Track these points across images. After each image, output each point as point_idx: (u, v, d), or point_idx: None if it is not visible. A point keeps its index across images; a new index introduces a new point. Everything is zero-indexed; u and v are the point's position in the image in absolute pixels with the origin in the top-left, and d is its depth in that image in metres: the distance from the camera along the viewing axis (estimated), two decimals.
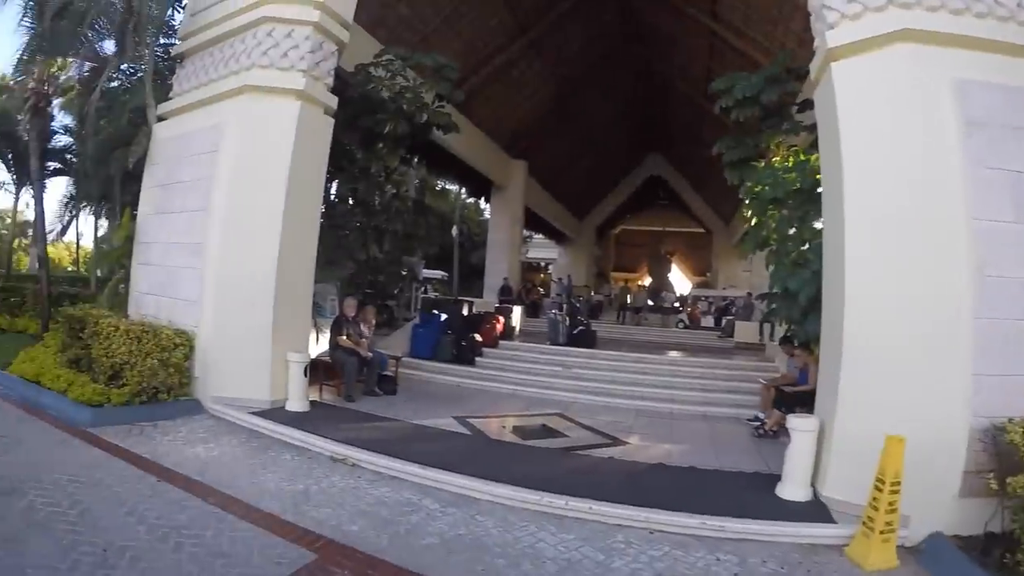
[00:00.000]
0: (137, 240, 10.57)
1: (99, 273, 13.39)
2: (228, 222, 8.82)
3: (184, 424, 7.64)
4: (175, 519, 4.61)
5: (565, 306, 17.00)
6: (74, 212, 18.85)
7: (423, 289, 36.72)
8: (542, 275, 41.09)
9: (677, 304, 25.28)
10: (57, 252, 46.99)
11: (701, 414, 10.17)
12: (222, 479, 5.67)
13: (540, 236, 35.01)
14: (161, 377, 8.00)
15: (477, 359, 12.70)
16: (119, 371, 8.04)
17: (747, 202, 9.78)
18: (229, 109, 9.21)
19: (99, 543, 4.08)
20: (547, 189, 27.21)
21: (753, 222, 9.66)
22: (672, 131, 27.88)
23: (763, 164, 10.25)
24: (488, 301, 20.77)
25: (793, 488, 5.87)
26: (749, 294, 20.83)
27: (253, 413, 7.99)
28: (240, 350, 8.55)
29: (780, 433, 8.29)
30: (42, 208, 14.16)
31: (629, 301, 23.20)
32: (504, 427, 8.47)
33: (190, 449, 6.65)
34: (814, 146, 9.78)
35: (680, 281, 39.05)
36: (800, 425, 5.89)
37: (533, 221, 27.63)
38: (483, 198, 24.91)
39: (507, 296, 21.72)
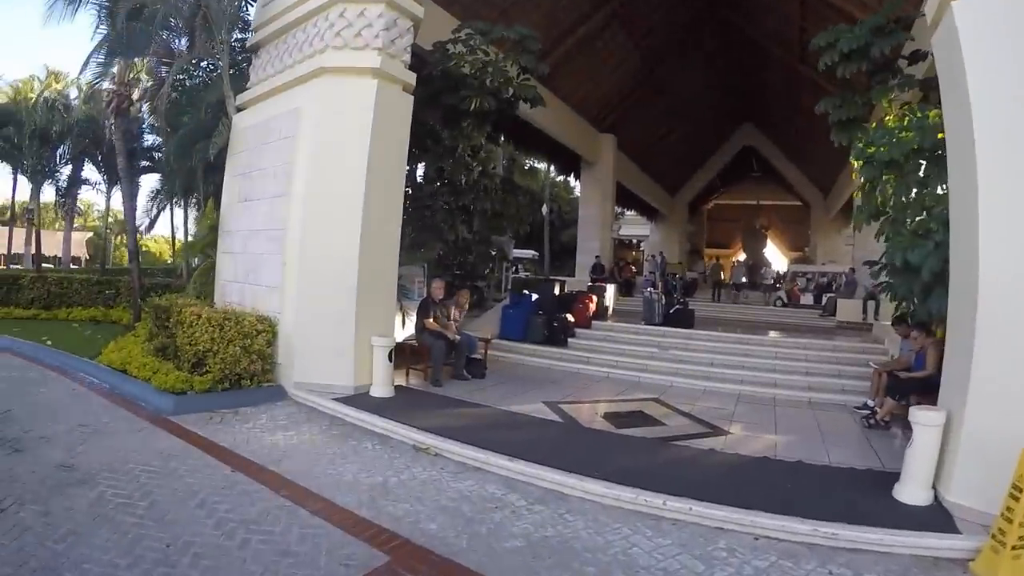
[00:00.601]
0: (221, 229, 10.75)
1: (192, 263, 13.67)
2: (308, 207, 8.70)
3: (266, 411, 7.51)
4: (245, 512, 4.40)
5: (660, 284, 16.20)
6: (161, 206, 19.58)
7: (514, 269, 36.58)
8: (634, 252, 40.01)
9: (775, 281, 23.78)
10: (157, 245, 49.93)
11: (806, 400, 9.29)
12: (298, 469, 5.45)
13: (631, 212, 33.90)
14: (244, 364, 7.96)
15: (569, 340, 12.18)
16: (202, 359, 8.02)
17: (857, 167, 8.77)
18: (305, 93, 9.09)
19: (164, 538, 3.90)
20: (637, 163, 26.07)
21: (866, 189, 8.64)
22: (765, 99, 25.82)
23: (874, 124, 9.20)
24: (580, 280, 20.21)
25: (913, 490, 5.05)
26: (852, 270, 19.27)
27: (336, 399, 7.84)
28: (323, 335, 8.42)
29: (892, 423, 7.58)
30: (132, 204, 14.75)
31: (724, 278, 22.01)
32: (597, 413, 7.89)
33: (269, 437, 6.48)
34: (926, 100, 8.83)
35: (775, 256, 37.04)
36: (924, 418, 5.02)
37: (624, 197, 26.54)
38: (572, 175, 24.16)
39: (599, 274, 21.02)
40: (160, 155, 17.54)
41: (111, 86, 14.45)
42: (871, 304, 16.18)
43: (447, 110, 11.31)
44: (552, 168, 28.91)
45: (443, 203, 11.74)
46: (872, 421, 7.77)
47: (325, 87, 8.79)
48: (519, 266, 37.18)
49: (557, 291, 14.15)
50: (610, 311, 14.93)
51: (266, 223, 9.42)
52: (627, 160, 24.55)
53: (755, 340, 12.02)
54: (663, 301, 12.99)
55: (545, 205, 35.53)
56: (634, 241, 40.91)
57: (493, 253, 15.16)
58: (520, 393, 8.79)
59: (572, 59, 17.70)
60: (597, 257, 22.05)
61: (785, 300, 22.29)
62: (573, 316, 12.76)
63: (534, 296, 13.44)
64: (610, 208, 23.39)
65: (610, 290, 15.24)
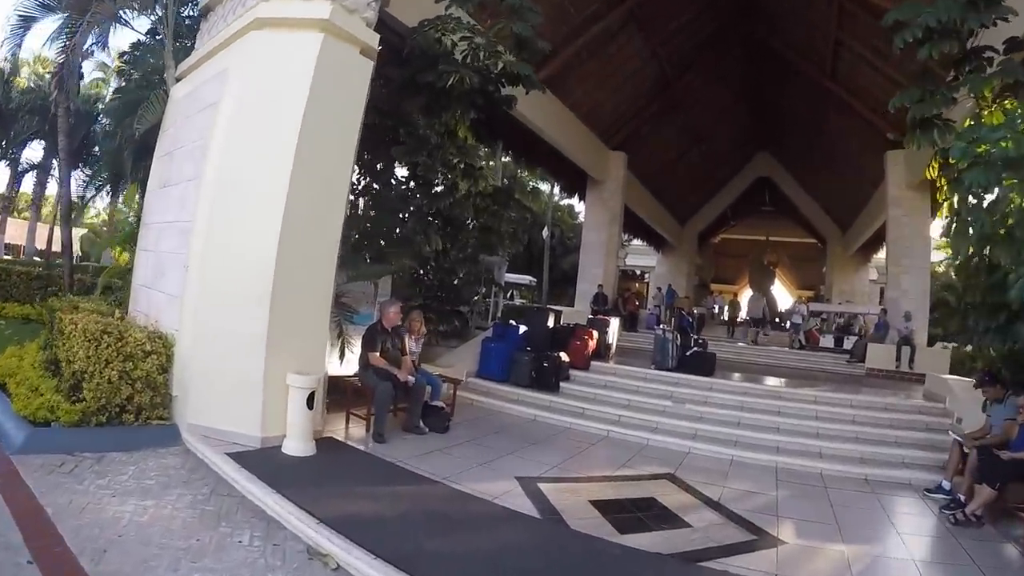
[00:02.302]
0: (142, 221, 8.85)
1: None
2: (218, 193, 6.67)
3: (140, 461, 5.56)
4: None
5: (674, 320, 14.00)
6: (93, 194, 17.30)
7: (509, 295, 34.40)
8: (637, 284, 37.86)
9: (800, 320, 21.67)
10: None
11: (862, 477, 7.19)
12: (118, 572, 3.55)
13: (638, 241, 31.86)
14: (125, 393, 6.07)
15: (562, 384, 9.91)
16: (80, 381, 6.04)
17: (952, 174, 6.75)
18: (236, 51, 7.15)
19: None
20: (647, 187, 24.02)
21: (960, 208, 6.54)
22: (786, 123, 24.06)
23: (969, 121, 7.10)
24: (579, 311, 18.03)
25: None
26: (884, 311, 17.33)
27: (232, 454, 5.70)
28: (224, 365, 6.31)
29: (986, 518, 5.69)
30: (68, 189, 12.71)
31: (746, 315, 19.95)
32: (590, 501, 5.49)
33: (116, 506, 4.51)
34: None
35: (782, 295, 35.13)
36: None
37: (631, 223, 24.45)
38: (577, 195, 22.11)
39: (602, 306, 18.81)
40: None
41: (58, 57, 12.48)
42: (905, 350, 14.69)
43: (427, 94, 9.17)
44: (556, 187, 26.99)
45: (411, 207, 9.53)
46: (960, 516, 5.72)
47: (258, 42, 6.78)
48: (515, 292, 35.06)
49: (551, 323, 11.90)
50: (613, 349, 12.67)
51: (177, 214, 7.45)
52: (637, 182, 22.50)
53: (789, 393, 9.74)
54: (678, 341, 10.78)
55: (547, 228, 33.56)
56: (639, 272, 38.80)
57: (480, 278, 13.06)
58: (489, 460, 6.49)
59: (583, 62, 15.78)
60: (600, 286, 19.83)
61: (803, 342, 20.18)
62: (568, 355, 10.54)
63: (522, 328, 11.23)
64: (617, 233, 21.23)
65: (614, 324, 12.99)
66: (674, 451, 7.67)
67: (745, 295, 34.16)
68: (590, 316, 14.41)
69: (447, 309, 12.37)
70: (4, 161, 19.07)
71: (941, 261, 21.66)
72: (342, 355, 7.73)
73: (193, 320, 6.59)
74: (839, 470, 7.30)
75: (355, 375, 7.42)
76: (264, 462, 5.60)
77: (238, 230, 6.45)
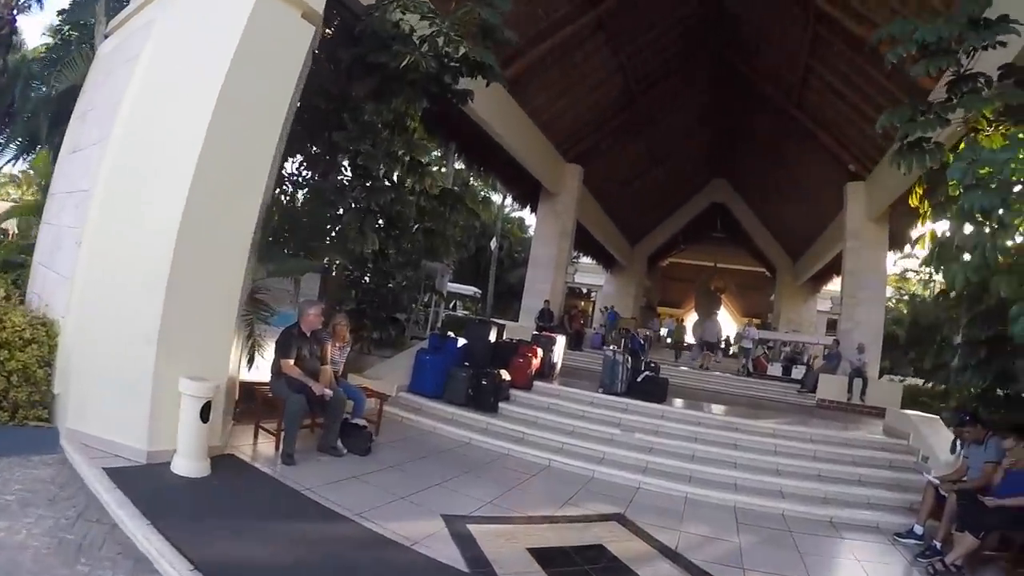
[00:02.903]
0: (49, 191, 7.80)
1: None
2: (121, 157, 5.67)
3: (4, 469, 4.59)
4: None
5: (624, 342, 13.32)
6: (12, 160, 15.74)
7: (452, 305, 33.46)
8: (583, 303, 37.43)
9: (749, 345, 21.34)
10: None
11: (826, 519, 6.69)
12: None
13: (587, 259, 31.42)
14: None
15: (501, 405, 9.08)
16: None
17: (938, 198, 6.50)
18: (166, 0, 6.14)
19: None
20: (601, 204, 23.56)
21: (965, 227, 6.09)
22: (747, 149, 24.07)
23: (963, 144, 6.68)
24: (524, 326, 17.31)
25: None
26: (836, 341, 17.28)
27: (110, 470, 4.74)
28: (110, 363, 5.28)
29: (967, 569, 5.28)
30: None
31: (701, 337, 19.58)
32: (528, 548, 4.67)
33: None
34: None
35: (727, 321, 35.29)
36: None
37: (582, 240, 23.87)
38: (529, 207, 21.36)
39: (547, 322, 18.08)
40: None
41: None
42: (857, 382, 14.52)
43: (379, 76, 8.27)
44: (508, 197, 26.30)
45: (350, 201, 8.58)
46: (939, 566, 5.29)
47: None
48: (457, 303, 34.18)
49: (493, 337, 11.09)
50: (557, 369, 11.90)
51: (79, 182, 6.44)
52: (591, 198, 22.02)
53: (746, 425, 9.15)
54: (628, 364, 10.08)
55: (495, 239, 32.85)
56: (586, 290, 38.38)
57: (419, 284, 12.17)
58: (413, 492, 5.59)
59: (547, 68, 15.12)
60: (546, 302, 19.09)
61: (751, 369, 19.99)
62: (510, 373, 9.73)
63: (461, 341, 10.38)
64: (567, 248, 20.55)
65: (559, 342, 12.21)
66: (623, 486, 6.97)
67: (691, 319, 34.17)
68: (535, 332, 13.61)
69: (382, 316, 11.45)
70: None
71: (891, 296, 21.77)
72: (251, 359, 6.72)
73: (80, 306, 5.57)
74: (802, 511, 6.76)
75: (267, 384, 6.47)
76: (146, 482, 4.68)
77: (137, 203, 5.45)
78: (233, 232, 5.68)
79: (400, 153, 8.39)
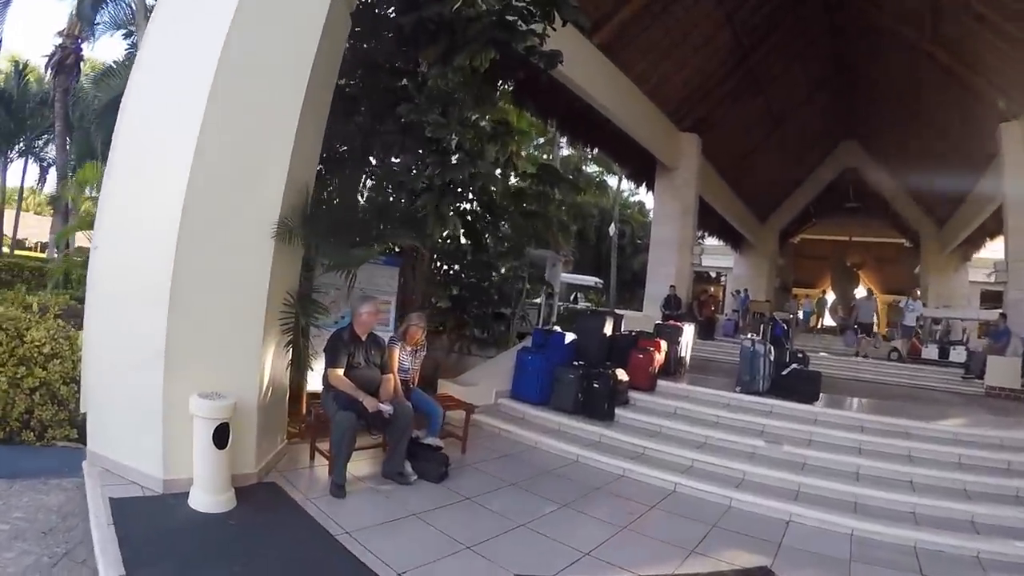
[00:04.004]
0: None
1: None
2: (124, 142, 4.89)
3: (19, 493, 4.42)
4: None
5: (764, 328, 11.33)
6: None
7: (573, 297, 31.98)
8: (713, 288, 34.85)
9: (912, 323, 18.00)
10: None
11: None
12: None
13: (713, 240, 28.94)
14: (20, 407, 5.08)
15: (618, 412, 7.54)
16: None
17: None
18: None
19: None
20: (724, 177, 21.04)
21: None
22: (877, 101, 20.35)
23: None
24: (648, 316, 15.61)
25: None
26: (1003, 316, 14.10)
27: (117, 500, 4.07)
28: (122, 380, 4.52)
29: None
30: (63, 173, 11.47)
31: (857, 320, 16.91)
32: None
33: None
34: None
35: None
36: None
37: (706, 218, 21.45)
38: (646, 185, 19.53)
39: (674, 310, 16.15)
40: None
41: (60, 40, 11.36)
42: None
43: (443, 38, 7.03)
44: (624, 181, 24.55)
45: (423, 181, 7.34)
46: None
47: None
48: (578, 295, 32.68)
49: (608, 329, 9.58)
50: (686, 364, 10.18)
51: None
52: (712, 171, 19.67)
53: (920, 430, 6.90)
54: (771, 356, 8.26)
55: (614, 225, 31.12)
56: (715, 274, 35.75)
57: (524, 274, 10.88)
58: (486, 536, 4.25)
59: (645, 28, 13.26)
60: (672, 287, 17.00)
61: (901, 353, 16.78)
62: (628, 371, 8.18)
63: (569, 336, 8.97)
64: (691, 227, 18.38)
65: (687, 332, 10.45)
66: (768, 519, 5.22)
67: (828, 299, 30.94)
68: (658, 322, 11.89)
69: (484, 312, 10.27)
70: (29, 156, 18.18)
71: None
72: (299, 369, 5.63)
73: (94, 318, 4.82)
74: (1005, 555, 4.70)
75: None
76: (150, 518, 3.93)
77: (138, 194, 4.64)
78: (250, 226, 4.65)
79: (474, 119, 7.07)
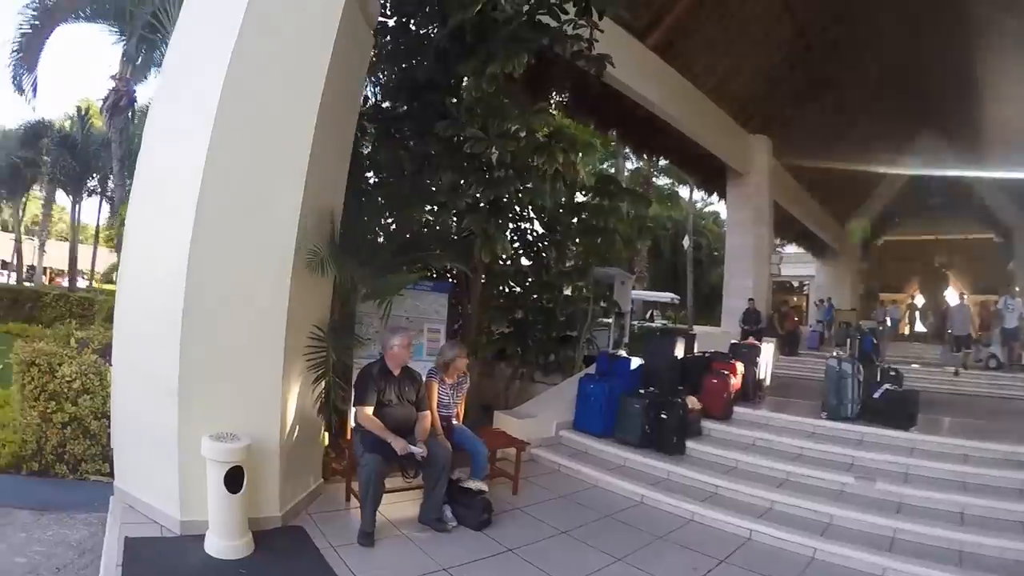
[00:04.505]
0: None
1: None
2: (141, 165, 4.83)
3: (45, 526, 4.44)
4: None
5: (851, 342, 10.25)
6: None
7: (649, 315, 30.95)
8: (795, 298, 33.08)
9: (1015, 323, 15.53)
10: None
11: None
12: None
13: (793, 248, 27.42)
14: (52, 441, 5.14)
15: (689, 444, 6.79)
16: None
17: None
18: None
19: None
20: (799, 179, 19.72)
21: None
22: (953, 84, 17.90)
23: None
24: (727, 332, 14.70)
25: None
26: None
27: (132, 540, 3.91)
28: (143, 419, 4.40)
29: None
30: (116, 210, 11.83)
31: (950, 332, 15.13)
32: None
33: None
34: None
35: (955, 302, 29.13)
36: None
37: (783, 224, 20.25)
38: (716, 194, 18.60)
39: (753, 324, 15.12)
40: None
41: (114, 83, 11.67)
42: None
43: (482, 51, 6.61)
44: (696, 191, 23.57)
45: (467, 200, 6.88)
46: None
47: None
48: (654, 312, 31.65)
49: (680, 351, 8.88)
50: (765, 386, 9.29)
51: None
52: (786, 174, 18.47)
53: None
54: (860, 375, 7.35)
55: (688, 238, 30.05)
56: (797, 284, 33.98)
57: (589, 294, 10.25)
58: None
59: (700, 24, 12.53)
60: (751, 301, 15.89)
61: (1000, 359, 14.57)
62: (701, 398, 7.47)
63: (636, 361, 8.30)
64: (766, 235, 17.28)
65: (766, 351, 9.55)
66: (861, 573, 4.43)
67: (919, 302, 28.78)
68: (732, 342, 10.95)
69: (549, 336, 9.70)
70: (99, 196, 19.06)
71: None
72: (327, 409, 5.20)
73: (118, 355, 4.74)
74: None
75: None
76: (160, 562, 3.77)
77: (151, 227, 4.56)
78: (264, 257, 4.37)
79: (514, 129, 6.56)
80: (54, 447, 5.16)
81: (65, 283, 24.06)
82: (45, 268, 30.10)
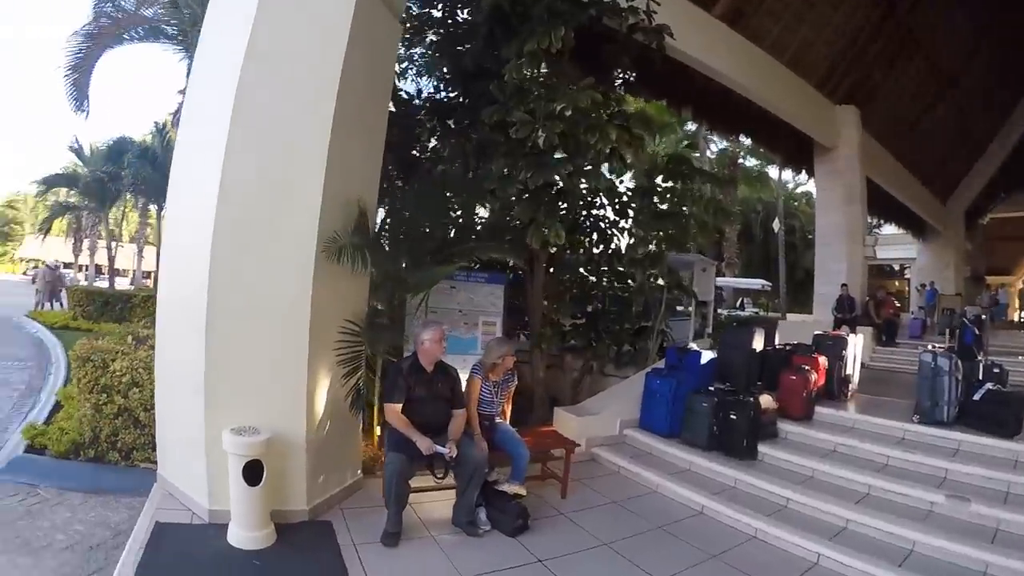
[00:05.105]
0: None
1: None
2: (177, 162, 4.99)
3: (92, 507, 4.76)
4: None
5: (949, 334, 9.15)
6: None
7: (739, 303, 29.66)
8: (896, 283, 30.89)
9: None
10: None
11: None
12: None
13: (891, 228, 25.36)
14: (107, 429, 5.53)
15: (762, 448, 6.15)
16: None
17: None
18: None
19: None
20: (892, 152, 17.86)
21: None
22: None
23: None
24: (819, 320, 13.74)
25: None
26: None
27: (161, 524, 4.08)
28: (177, 411, 4.61)
29: None
30: None
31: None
32: None
33: None
34: None
35: None
36: None
37: (878, 203, 18.44)
38: (804, 171, 17.39)
39: (847, 312, 14.00)
40: None
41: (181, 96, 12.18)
42: None
43: (525, 30, 6.24)
44: (778, 164, 22.26)
45: (519, 187, 6.52)
46: None
47: None
48: (743, 300, 30.31)
49: (759, 343, 8.03)
50: (854, 382, 8.36)
51: None
52: (878, 147, 16.81)
53: None
54: (958, 372, 6.47)
55: (778, 220, 28.58)
56: (896, 267, 31.67)
57: (664, 283, 9.67)
58: None
59: None
60: (844, 286, 14.64)
61: None
62: (778, 396, 6.80)
63: (706, 356, 7.67)
64: (859, 213, 15.82)
65: (853, 344, 8.61)
66: None
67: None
68: (817, 332, 9.93)
69: (622, 328, 9.22)
70: None
71: None
72: (358, 404, 4.98)
73: (159, 349, 4.96)
74: None
75: None
76: (181, 546, 3.86)
77: (182, 212, 4.74)
78: (286, 251, 4.33)
79: (559, 109, 6.10)
80: (107, 436, 5.53)
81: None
82: (148, 272, 32.05)
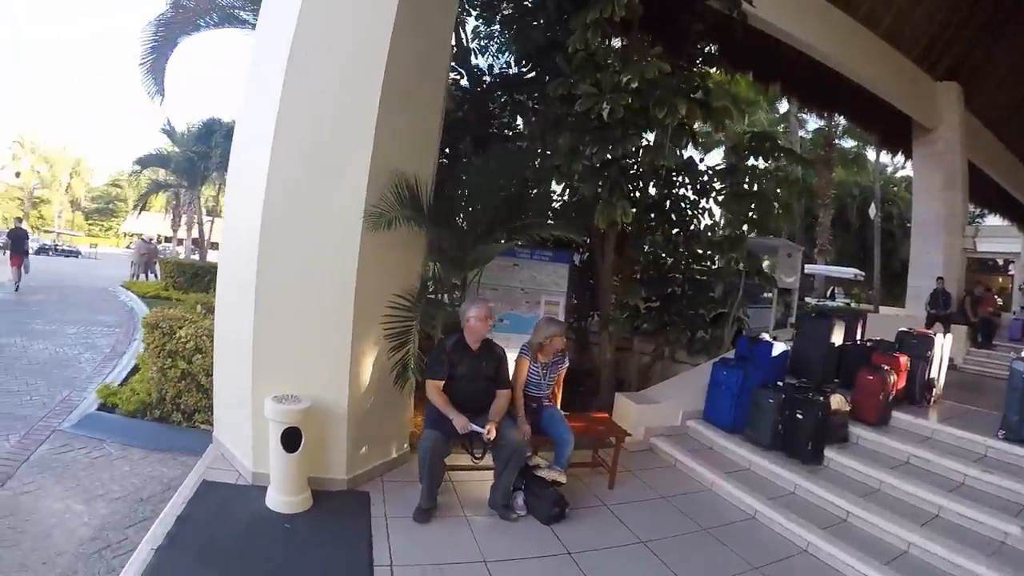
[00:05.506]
0: None
1: None
2: (236, 140, 5.24)
3: (152, 464, 5.08)
4: None
5: None
6: None
7: (830, 292, 28.33)
8: (999, 279, 28.67)
9: None
10: None
11: None
12: None
13: (995, 218, 23.43)
14: (171, 393, 5.90)
15: (829, 453, 5.72)
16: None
17: None
18: None
19: None
20: (999, 136, 16.30)
21: None
22: None
23: None
24: (912, 315, 12.91)
25: None
26: None
27: (208, 483, 4.38)
28: (229, 378, 4.88)
29: None
30: None
31: None
32: None
33: (34, 502, 4.17)
34: None
35: None
36: None
37: (981, 190, 17.01)
38: (902, 153, 16.23)
39: (941, 308, 13.01)
40: None
41: None
42: None
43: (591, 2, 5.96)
44: (881, 153, 20.89)
45: (583, 162, 6.32)
46: None
47: None
48: (835, 290, 28.97)
49: (838, 337, 7.51)
50: (938, 387, 7.66)
51: None
52: (983, 128, 15.41)
53: None
54: None
55: (874, 206, 26.99)
56: (1000, 261, 29.37)
57: (743, 268, 9.22)
58: None
59: None
60: (939, 280, 13.57)
61: None
62: (853, 397, 6.33)
63: (778, 347, 7.23)
64: (959, 201, 14.58)
65: (939, 345, 7.86)
66: None
67: None
68: (901, 329, 9.21)
69: (696, 313, 8.88)
70: None
71: None
72: (404, 379, 4.92)
73: (219, 317, 5.26)
74: None
75: None
76: (224, 504, 4.11)
77: (237, 190, 4.94)
78: (332, 224, 4.38)
79: (625, 81, 5.80)
80: (172, 398, 5.87)
81: None
82: None
